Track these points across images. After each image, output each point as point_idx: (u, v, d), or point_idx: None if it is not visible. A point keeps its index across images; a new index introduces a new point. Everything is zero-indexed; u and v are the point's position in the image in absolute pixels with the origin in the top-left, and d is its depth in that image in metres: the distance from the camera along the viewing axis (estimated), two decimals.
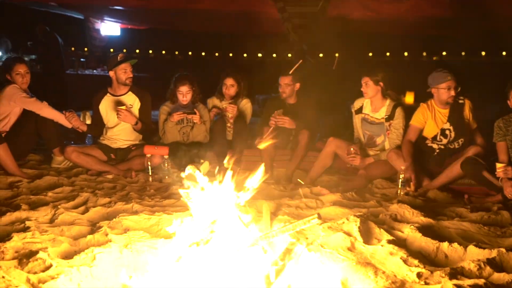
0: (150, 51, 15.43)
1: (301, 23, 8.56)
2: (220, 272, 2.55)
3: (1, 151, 5.04)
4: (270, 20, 10.74)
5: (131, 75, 5.59)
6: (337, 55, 8.78)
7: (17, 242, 3.26)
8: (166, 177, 5.22)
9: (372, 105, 5.32)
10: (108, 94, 5.69)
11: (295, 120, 5.61)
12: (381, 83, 5.20)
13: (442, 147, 5.13)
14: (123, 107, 5.40)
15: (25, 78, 5.47)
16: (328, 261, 2.92)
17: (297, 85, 5.82)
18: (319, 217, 2.74)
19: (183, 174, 4.76)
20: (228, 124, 5.95)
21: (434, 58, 14.61)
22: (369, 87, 5.20)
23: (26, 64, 5.55)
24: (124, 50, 14.18)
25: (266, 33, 13.76)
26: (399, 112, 5.19)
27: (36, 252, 3.03)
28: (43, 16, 11.79)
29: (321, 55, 13.49)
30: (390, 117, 5.21)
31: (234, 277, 2.53)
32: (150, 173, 5.24)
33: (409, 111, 5.32)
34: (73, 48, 13.61)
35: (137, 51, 15.00)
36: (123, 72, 5.54)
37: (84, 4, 11.39)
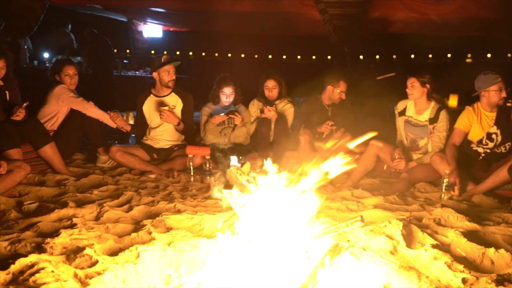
0: (190, 53, 15.59)
1: (342, 24, 8.50)
2: (262, 273, 2.57)
3: (49, 150, 5.18)
4: (311, 21, 10.73)
5: (174, 77, 5.66)
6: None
7: (65, 238, 3.35)
8: (208, 177, 5.27)
9: (416, 107, 5.24)
10: (151, 95, 5.78)
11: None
12: (428, 85, 5.11)
13: (488, 151, 5.02)
14: (166, 108, 5.48)
15: (73, 79, 5.61)
16: (370, 264, 2.91)
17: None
18: (362, 219, 2.73)
19: (227, 175, 4.82)
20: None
21: (477, 60, 14.31)
22: (415, 88, 5.12)
23: (74, 66, 5.68)
24: (165, 52, 14.39)
25: (306, 35, 13.74)
26: (443, 115, 5.10)
27: (83, 248, 3.11)
28: (88, 19, 12.08)
29: (361, 57, 13.37)
30: (434, 120, 5.12)
31: (276, 278, 2.54)
32: (192, 173, 5.30)
33: (453, 114, 5.22)
34: (115, 50, 13.87)
35: (178, 52, 15.20)
36: (166, 73, 5.62)
37: (128, 7, 11.61)
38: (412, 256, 3.05)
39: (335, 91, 5.87)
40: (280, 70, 6.45)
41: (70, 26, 12.16)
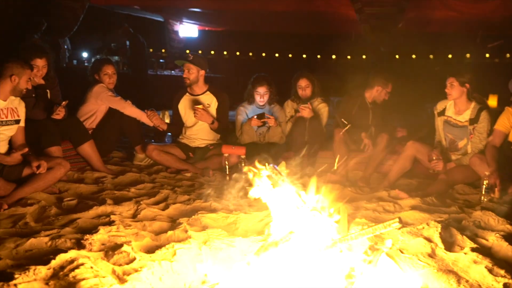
0: (225, 52, 15.63)
1: (379, 24, 8.39)
2: (298, 272, 2.56)
3: (88, 148, 5.29)
4: (347, 21, 10.64)
5: (187, 76, 5.65)
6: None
7: (103, 235, 3.41)
8: (243, 176, 5.27)
9: (455, 107, 5.14)
10: (187, 94, 5.82)
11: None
12: (467, 85, 4.99)
13: None
14: (200, 106, 5.51)
15: (112, 79, 5.70)
16: (407, 267, 2.87)
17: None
18: (400, 221, 2.69)
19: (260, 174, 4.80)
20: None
21: None
22: (454, 88, 5.01)
23: (113, 65, 5.77)
24: (200, 51, 14.49)
25: (341, 34, 13.63)
26: (484, 115, 4.98)
27: (121, 245, 3.17)
28: (125, 19, 12.24)
29: (397, 56, 13.20)
30: (474, 121, 5.01)
31: (312, 279, 2.53)
32: (227, 172, 5.32)
33: (493, 115, 5.10)
34: (151, 50, 14.04)
35: (212, 52, 15.25)
36: (186, 71, 5.66)
37: (165, 7, 11.72)
38: (451, 259, 2.99)
39: (383, 92, 5.83)
40: (315, 69, 6.43)
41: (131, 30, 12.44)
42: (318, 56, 15.36)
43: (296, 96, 6.04)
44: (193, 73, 5.63)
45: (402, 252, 3.08)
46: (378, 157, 5.42)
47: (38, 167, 4.26)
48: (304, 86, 5.96)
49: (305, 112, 5.73)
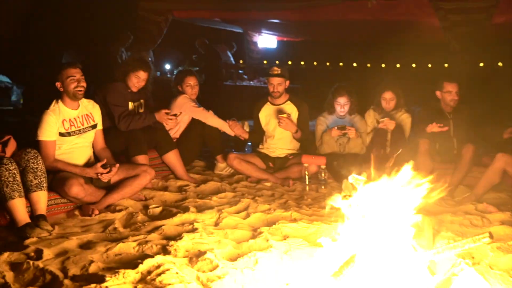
0: (302, 62, 15.61)
1: (464, 31, 8.09)
2: (383, 286, 2.52)
3: (173, 156, 5.45)
4: (428, 29, 10.37)
5: (277, 90, 5.70)
6: None
7: (187, 241, 3.51)
8: (323, 186, 5.26)
9: None
10: (268, 103, 5.89)
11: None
12: None
13: None
14: (284, 115, 5.55)
15: (194, 90, 5.86)
16: (497, 284, 2.75)
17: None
18: (491, 236, 2.59)
19: (342, 185, 4.77)
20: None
21: None
22: None
23: (195, 77, 5.92)
24: (277, 62, 14.58)
25: (422, 43, 13.30)
26: None
27: (204, 252, 3.24)
28: (205, 31, 12.56)
29: (481, 64, 12.67)
30: None
31: None
32: (307, 182, 5.32)
33: None
34: (241, 61, 14.25)
35: (289, 62, 15.28)
36: (276, 85, 5.70)
37: (245, 19, 11.91)
38: None
39: (443, 94, 5.61)
40: (394, 79, 6.29)
41: (235, 46, 13.01)
42: (398, 65, 15.02)
43: (378, 106, 5.93)
44: (283, 85, 5.71)
45: (491, 268, 2.95)
46: (464, 169, 5.21)
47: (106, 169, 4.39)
48: (388, 99, 5.83)
49: (387, 125, 5.62)
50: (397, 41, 13.75)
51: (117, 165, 4.45)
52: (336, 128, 5.62)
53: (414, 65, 14.78)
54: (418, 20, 9.98)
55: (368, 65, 15.33)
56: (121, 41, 10.12)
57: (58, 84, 4.43)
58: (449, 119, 5.65)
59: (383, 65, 15.11)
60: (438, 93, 5.66)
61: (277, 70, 5.69)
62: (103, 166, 4.34)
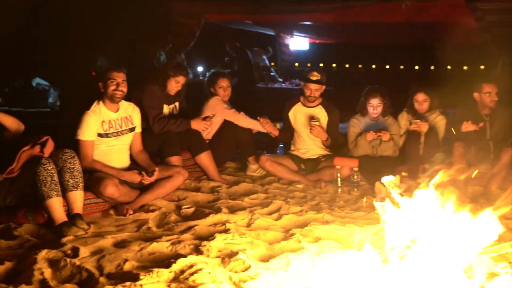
0: (334, 65, 15.55)
1: (503, 32, 7.93)
2: None
3: (205, 158, 5.49)
4: (464, 30, 10.20)
5: (314, 95, 5.71)
6: None
7: (219, 242, 3.54)
8: (356, 189, 5.23)
9: None
10: (299, 103, 5.89)
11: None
12: None
13: None
14: (317, 123, 5.54)
15: (227, 91, 5.89)
16: None
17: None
18: None
19: (375, 187, 4.75)
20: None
21: None
22: None
23: (228, 79, 5.95)
24: (308, 64, 14.56)
25: (457, 44, 13.11)
26: None
27: (236, 253, 3.27)
28: (237, 34, 12.63)
29: None
30: None
31: None
32: (339, 185, 5.30)
33: None
34: (273, 63, 14.28)
35: (321, 64, 15.24)
36: (314, 90, 5.70)
37: (277, 21, 11.93)
38: None
39: (482, 96, 5.52)
40: (428, 81, 6.22)
41: (271, 51, 13.07)
42: (432, 68, 14.82)
43: (411, 109, 5.87)
44: (320, 91, 5.73)
45: None
46: (501, 173, 5.11)
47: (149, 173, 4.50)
48: (421, 101, 5.76)
49: (420, 127, 5.55)
50: (431, 43, 13.58)
51: (157, 169, 4.55)
52: (372, 131, 5.57)
53: (449, 67, 14.57)
54: (453, 21, 9.83)
55: (401, 67, 15.17)
56: (160, 44, 10.24)
57: (100, 84, 4.54)
58: (486, 121, 5.55)
59: (416, 67, 14.94)
60: (476, 95, 5.57)
61: (317, 76, 5.67)
62: (146, 173, 4.48)
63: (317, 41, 15.08)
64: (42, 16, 9.93)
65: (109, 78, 4.49)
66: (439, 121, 5.80)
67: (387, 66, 15.27)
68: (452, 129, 5.54)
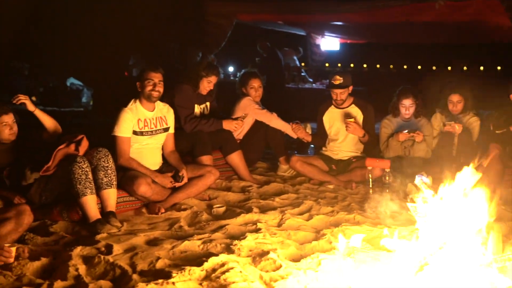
0: (365, 65, 15.43)
1: None
2: None
3: (236, 157, 5.52)
4: (499, 29, 10.03)
5: (340, 98, 5.69)
6: None
7: (250, 241, 3.56)
8: (387, 190, 5.18)
9: None
10: (332, 106, 5.85)
11: None
12: None
13: None
14: (352, 120, 5.51)
15: (258, 92, 5.90)
16: None
17: None
18: None
19: (408, 188, 4.70)
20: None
21: None
22: None
23: (259, 79, 5.96)
24: (339, 65, 14.49)
25: (491, 44, 12.89)
26: None
27: (267, 253, 3.28)
28: (268, 34, 12.65)
29: None
30: None
31: None
32: (370, 186, 5.26)
33: None
34: (303, 64, 14.26)
35: (352, 65, 15.14)
36: (339, 94, 5.68)
37: (308, 21, 11.90)
38: None
39: None
40: (461, 81, 6.11)
41: (301, 51, 13.24)
42: (465, 68, 14.56)
43: (445, 109, 5.78)
44: (345, 93, 5.69)
45: None
46: None
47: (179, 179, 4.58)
48: (455, 102, 5.66)
49: (454, 128, 5.47)
50: (464, 43, 13.37)
51: (186, 174, 4.62)
52: (406, 131, 5.51)
53: (482, 68, 14.32)
54: (488, 21, 9.66)
55: (434, 67, 14.96)
56: (195, 46, 10.33)
57: (138, 84, 4.63)
58: None
59: (449, 68, 14.71)
60: None
61: (339, 80, 5.62)
62: (174, 178, 4.57)
63: (348, 41, 15.01)
64: (82, 18, 10.12)
65: (146, 78, 4.56)
66: (473, 122, 5.70)
67: (419, 67, 15.06)
68: (491, 125, 5.42)
